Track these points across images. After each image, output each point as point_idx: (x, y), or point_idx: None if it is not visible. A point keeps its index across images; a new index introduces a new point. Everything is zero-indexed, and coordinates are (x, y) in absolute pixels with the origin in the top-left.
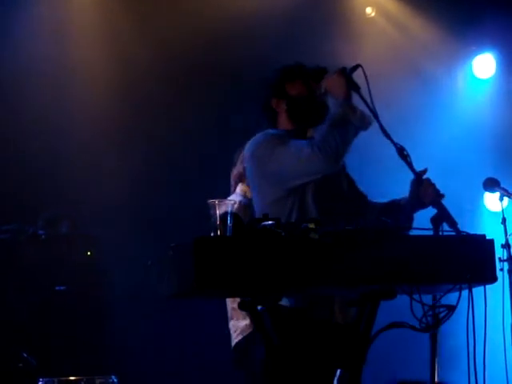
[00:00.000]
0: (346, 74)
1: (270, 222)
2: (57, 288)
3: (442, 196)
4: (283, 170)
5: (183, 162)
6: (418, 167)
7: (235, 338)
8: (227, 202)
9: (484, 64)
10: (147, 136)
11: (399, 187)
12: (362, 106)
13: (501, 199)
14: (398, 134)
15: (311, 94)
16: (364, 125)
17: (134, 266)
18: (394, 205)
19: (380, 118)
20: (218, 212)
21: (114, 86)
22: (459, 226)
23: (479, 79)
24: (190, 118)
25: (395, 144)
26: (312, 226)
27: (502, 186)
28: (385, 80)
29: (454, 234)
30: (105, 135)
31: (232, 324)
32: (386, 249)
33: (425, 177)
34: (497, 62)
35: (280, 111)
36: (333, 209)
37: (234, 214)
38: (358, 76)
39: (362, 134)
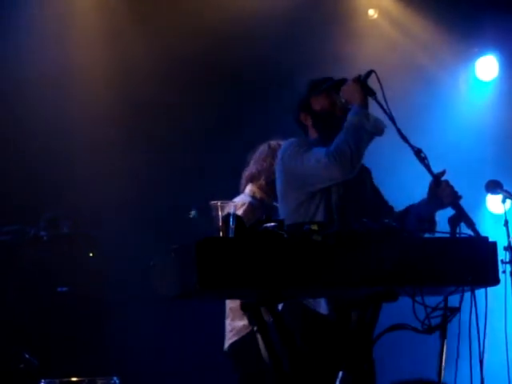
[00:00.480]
0: (361, 80)
1: (272, 224)
2: (59, 289)
3: (460, 197)
4: (306, 176)
5: (183, 161)
6: (422, 168)
7: (230, 339)
8: (230, 203)
9: (487, 66)
10: (147, 136)
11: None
12: (378, 111)
13: (503, 201)
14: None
15: (333, 107)
16: (378, 131)
17: (135, 267)
18: (413, 209)
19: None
20: (220, 214)
21: (114, 86)
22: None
23: (482, 81)
24: (190, 118)
25: (412, 147)
26: (315, 227)
27: (504, 188)
28: (387, 82)
29: (472, 234)
30: (105, 135)
31: (228, 323)
32: (388, 250)
33: (443, 178)
34: (499, 64)
35: (308, 124)
36: (356, 212)
37: (236, 216)
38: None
39: None
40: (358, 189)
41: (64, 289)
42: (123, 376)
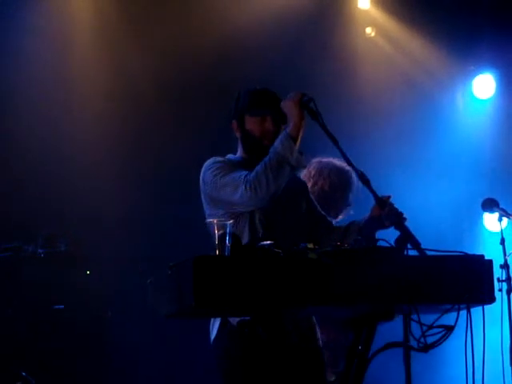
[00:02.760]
0: (303, 102)
1: (268, 242)
2: (55, 307)
3: (405, 219)
4: (226, 200)
5: (182, 176)
6: (419, 185)
7: None
8: (226, 222)
9: (484, 84)
10: (145, 151)
11: None
12: (321, 133)
13: (500, 220)
14: (398, 154)
15: (263, 136)
16: (300, 166)
17: (132, 285)
18: (354, 226)
19: (341, 145)
20: (216, 232)
21: (111, 99)
22: (458, 246)
23: (479, 99)
24: (189, 130)
25: (356, 170)
26: (311, 245)
27: (500, 206)
28: (384, 100)
29: (419, 253)
30: (102, 151)
31: None
32: (384, 269)
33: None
34: (496, 83)
35: (237, 136)
36: (285, 229)
37: (232, 234)
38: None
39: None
40: (288, 205)
41: (61, 307)
42: None
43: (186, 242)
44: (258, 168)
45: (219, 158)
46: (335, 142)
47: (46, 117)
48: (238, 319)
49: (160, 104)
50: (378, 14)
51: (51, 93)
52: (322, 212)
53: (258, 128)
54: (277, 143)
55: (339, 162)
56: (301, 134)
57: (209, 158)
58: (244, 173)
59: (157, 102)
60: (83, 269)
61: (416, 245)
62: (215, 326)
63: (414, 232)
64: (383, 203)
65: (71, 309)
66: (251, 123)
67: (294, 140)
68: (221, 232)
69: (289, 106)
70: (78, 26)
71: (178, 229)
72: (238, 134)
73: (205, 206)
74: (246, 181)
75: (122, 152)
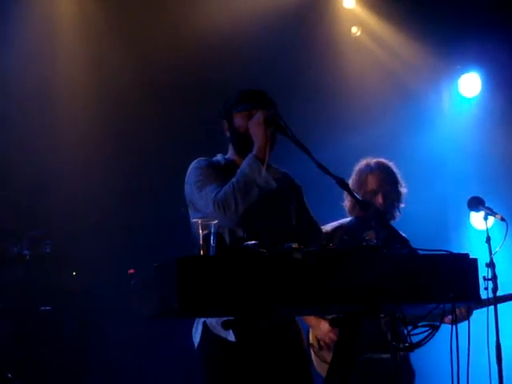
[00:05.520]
0: (268, 120)
1: (252, 242)
2: (42, 308)
3: (389, 218)
4: (201, 211)
5: (166, 180)
6: (406, 183)
7: None
8: (210, 222)
9: (470, 83)
10: (129, 155)
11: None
12: (291, 145)
13: (485, 218)
14: (384, 152)
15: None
16: (268, 186)
17: (118, 286)
18: (341, 229)
19: (314, 155)
20: (201, 232)
21: (94, 103)
22: (447, 245)
23: (465, 98)
24: (171, 132)
25: (335, 177)
26: (295, 245)
27: (486, 205)
28: (371, 99)
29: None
30: (86, 155)
31: None
32: (369, 268)
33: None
34: (482, 81)
35: (227, 135)
36: (269, 232)
37: (217, 234)
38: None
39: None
40: (273, 211)
41: (47, 308)
42: None
43: (172, 242)
44: (227, 188)
45: (203, 163)
46: (307, 152)
47: (32, 118)
48: (219, 324)
49: (144, 104)
50: (363, 13)
51: (35, 93)
52: (312, 215)
53: (245, 122)
54: (244, 165)
55: (368, 161)
56: (267, 155)
57: (188, 158)
58: (216, 189)
59: (140, 102)
60: (69, 270)
61: (403, 242)
62: (197, 333)
63: (400, 231)
64: (366, 206)
65: (58, 310)
66: (239, 119)
67: (262, 161)
68: (205, 232)
69: (253, 128)
70: (61, 26)
71: (165, 229)
72: (227, 134)
73: (189, 209)
74: (214, 200)
75: (107, 153)
